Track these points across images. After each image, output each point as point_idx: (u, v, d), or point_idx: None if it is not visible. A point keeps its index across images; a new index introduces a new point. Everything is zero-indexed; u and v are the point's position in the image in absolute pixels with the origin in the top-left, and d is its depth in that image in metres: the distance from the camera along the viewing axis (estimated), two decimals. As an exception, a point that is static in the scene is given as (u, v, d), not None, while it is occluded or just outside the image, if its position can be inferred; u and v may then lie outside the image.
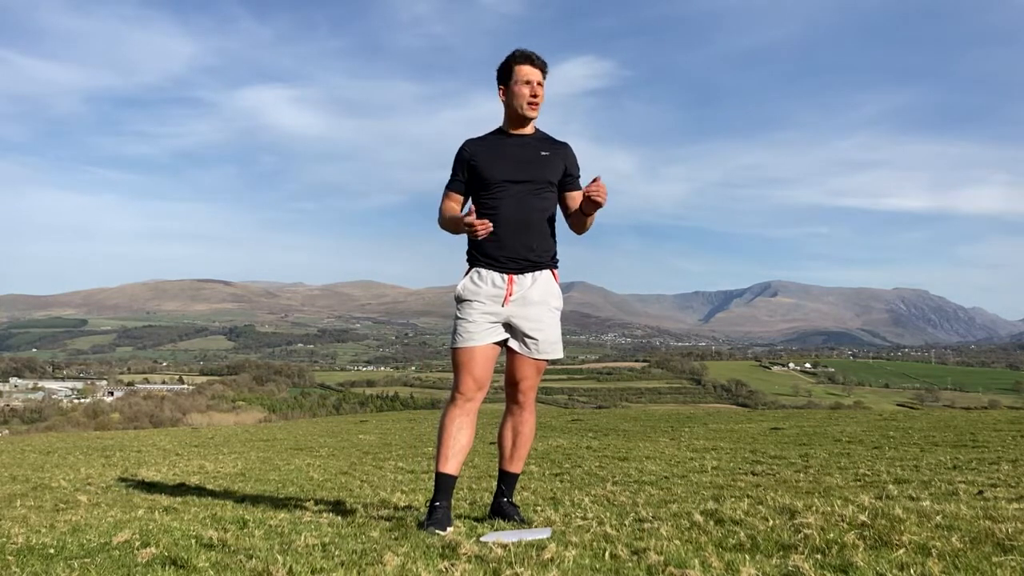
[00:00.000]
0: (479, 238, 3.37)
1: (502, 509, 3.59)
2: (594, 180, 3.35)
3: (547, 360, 3.52)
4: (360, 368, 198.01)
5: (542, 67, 3.48)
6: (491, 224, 3.34)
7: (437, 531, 3.11)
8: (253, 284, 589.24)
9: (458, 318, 3.47)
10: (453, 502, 3.53)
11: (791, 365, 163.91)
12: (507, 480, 3.63)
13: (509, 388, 3.57)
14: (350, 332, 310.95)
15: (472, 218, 3.33)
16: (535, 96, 3.45)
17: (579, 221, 3.52)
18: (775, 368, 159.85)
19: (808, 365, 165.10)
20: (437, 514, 3.28)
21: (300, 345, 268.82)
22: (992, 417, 12.26)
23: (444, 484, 3.37)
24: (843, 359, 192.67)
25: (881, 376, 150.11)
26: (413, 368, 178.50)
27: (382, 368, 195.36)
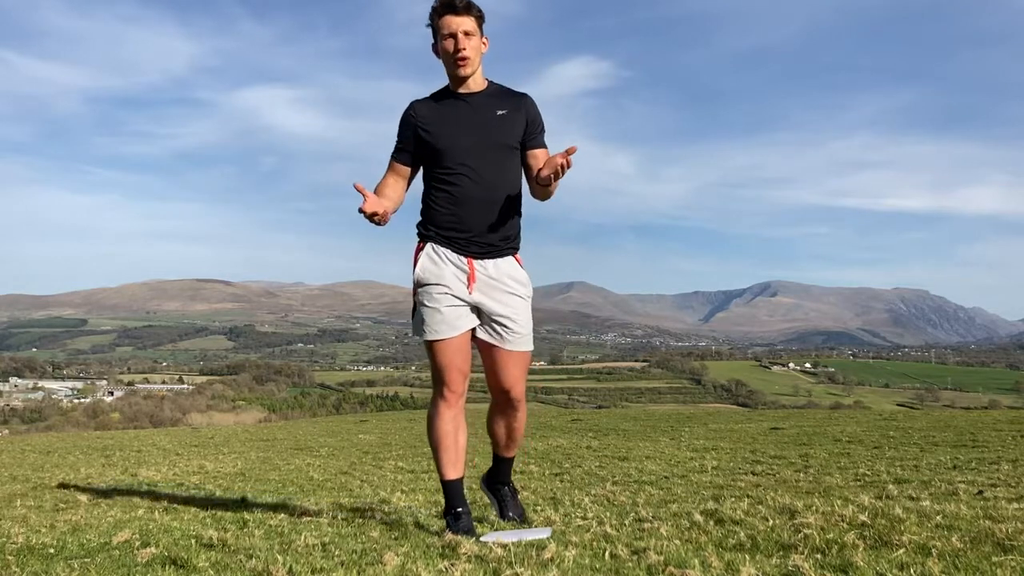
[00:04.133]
0: (376, 223, 2.90)
1: (498, 492, 3.53)
2: (568, 151, 2.82)
3: (526, 351, 3.19)
4: (360, 368, 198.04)
5: (468, 10, 2.94)
6: (380, 208, 2.86)
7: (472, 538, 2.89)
8: (253, 284, 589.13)
9: (424, 305, 3.02)
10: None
11: (791, 365, 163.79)
12: (503, 464, 3.47)
13: (500, 396, 3.20)
14: (350, 332, 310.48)
15: (360, 185, 2.86)
16: (460, 50, 2.92)
17: (541, 187, 3.02)
18: (775, 368, 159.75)
19: (808, 365, 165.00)
20: (462, 521, 3.02)
21: (300, 345, 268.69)
22: (992, 417, 12.26)
23: (456, 490, 3.10)
24: (843, 359, 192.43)
25: (881, 376, 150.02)
26: (413, 368, 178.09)
27: (382, 368, 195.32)
